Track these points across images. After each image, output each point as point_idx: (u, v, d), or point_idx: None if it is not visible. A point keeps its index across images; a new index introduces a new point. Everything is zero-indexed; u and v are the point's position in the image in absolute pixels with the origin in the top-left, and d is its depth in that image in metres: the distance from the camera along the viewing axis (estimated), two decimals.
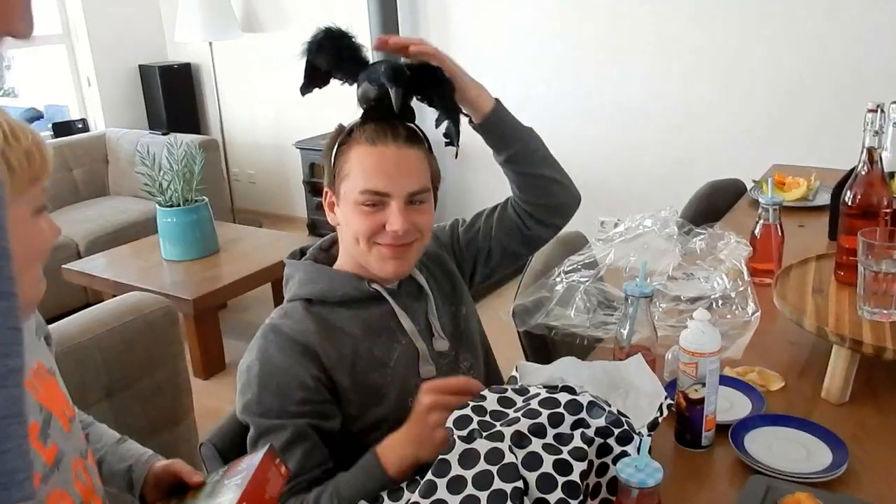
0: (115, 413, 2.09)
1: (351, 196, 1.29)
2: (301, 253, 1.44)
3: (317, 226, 4.75)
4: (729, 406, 1.36)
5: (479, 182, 4.47)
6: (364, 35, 4.41)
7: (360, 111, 1.33)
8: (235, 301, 4.03)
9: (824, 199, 2.38)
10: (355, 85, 1.33)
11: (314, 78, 1.36)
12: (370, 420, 1.30)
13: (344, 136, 1.32)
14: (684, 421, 1.26)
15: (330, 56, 1.32)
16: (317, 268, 1.38)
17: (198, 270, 3.49)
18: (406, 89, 1.28)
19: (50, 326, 2.02)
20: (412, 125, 1.33)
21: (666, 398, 1.18)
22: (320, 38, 1.33)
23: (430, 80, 1.33)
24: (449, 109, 1.36)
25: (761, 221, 1.85)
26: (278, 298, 3.88)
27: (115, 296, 2.31)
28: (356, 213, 1.29)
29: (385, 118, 1.29)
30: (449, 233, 1.54)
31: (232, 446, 1.33)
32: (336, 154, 1.32)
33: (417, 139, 1.32)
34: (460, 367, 1.42)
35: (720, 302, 1.65)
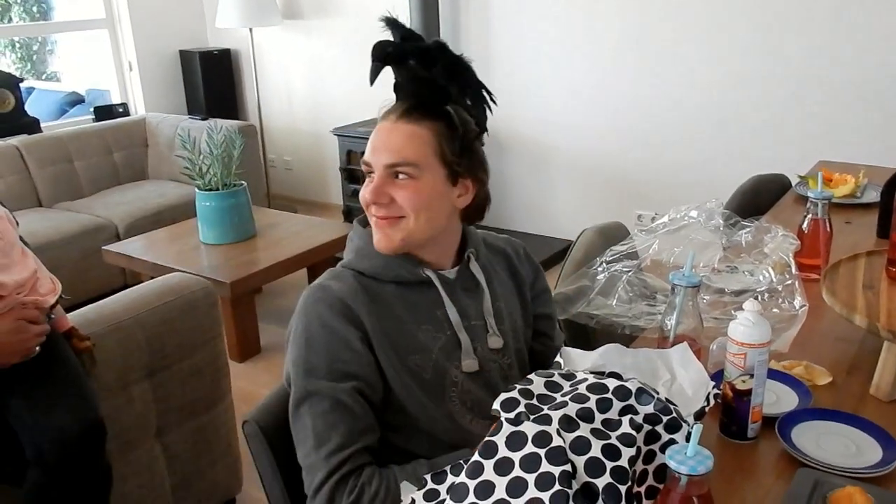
0: (155, 393, 2.11)
1: None
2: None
3: (352, 213, 4.76)
4: (775, 399, 1.34)
5: (514, 171, 4.47)
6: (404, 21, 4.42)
7: None
8: (270, 286, 4.06)
9: (872, 196, 2.34)
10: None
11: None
12: (407, 400, 1.29)
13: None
14: (730, 412, 1.24)
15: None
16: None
17: (235, 254, 3.52)
18: (427, 71, 1.29)
19: (91, 306, 2.07)
20: (431, 104, 1.31)
21: (713, 387, 1.17)
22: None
23: (455, 68, 1.33)
24: (474, 95, 1.36)
25: (809, 216, 1.82)
26: None
27: (153, 278, 2.34)
28: (364, 184, 1.33)
29: (407, 96, 1.31)
30: (536, 285, 1.53)
31: (275, 424, 1.34)
32: None
33: (422, 117, 1.29)
34: (502, 366, 1.40)
35: (766, 295, 1.63)
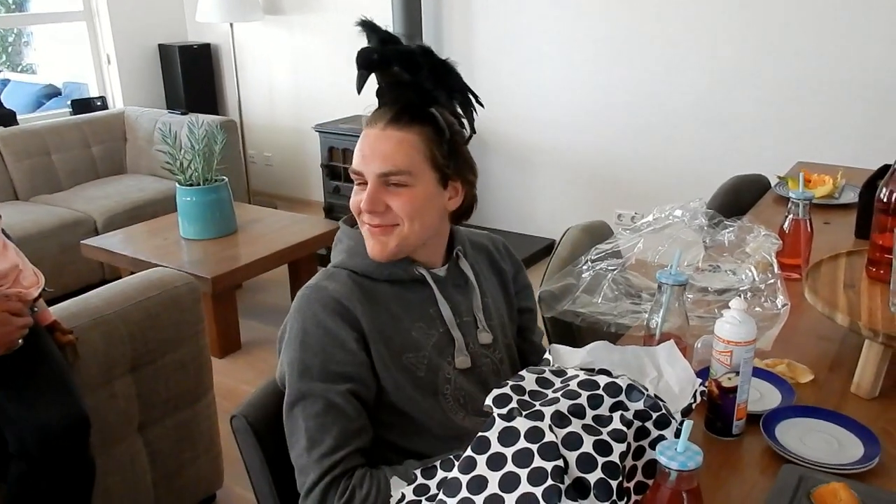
0: (138, 387, 2.10)
1: None
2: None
3: (334, 209, 4.75)
4: (759, 397, 1.36)
5: (496, 170, 4.48)
6: (387, 21, 4.42)
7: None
8: (250, 282, 4.05)
9: (850, 197, 2.38)
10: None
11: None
12: (399, 400, 1.30)
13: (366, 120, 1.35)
14: (716, 409, 1.26)
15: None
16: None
17: (216, 250, 3.50)
18: (414, 77, 1.29)
19: (74, 300, 2.05)
20: (417, 109, 1.30)
21: (700, 384, 1.18)
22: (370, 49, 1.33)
23: (441, 72, 1.33)
24: (462, 99, 1.36)
25: (791, 216, 1.85)
26: (295, 281, 3.89)
27: (132, 273, 2.32)
28: (354, 191, 1.32)
29: (391, 102, 1.30)
30: (518, 280, 1.54)
31: (264, 419, 1.34)
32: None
33: (410, 123, 1.28)
34: (493, 362, 1.41)
35: (749, 294, 1.65)
